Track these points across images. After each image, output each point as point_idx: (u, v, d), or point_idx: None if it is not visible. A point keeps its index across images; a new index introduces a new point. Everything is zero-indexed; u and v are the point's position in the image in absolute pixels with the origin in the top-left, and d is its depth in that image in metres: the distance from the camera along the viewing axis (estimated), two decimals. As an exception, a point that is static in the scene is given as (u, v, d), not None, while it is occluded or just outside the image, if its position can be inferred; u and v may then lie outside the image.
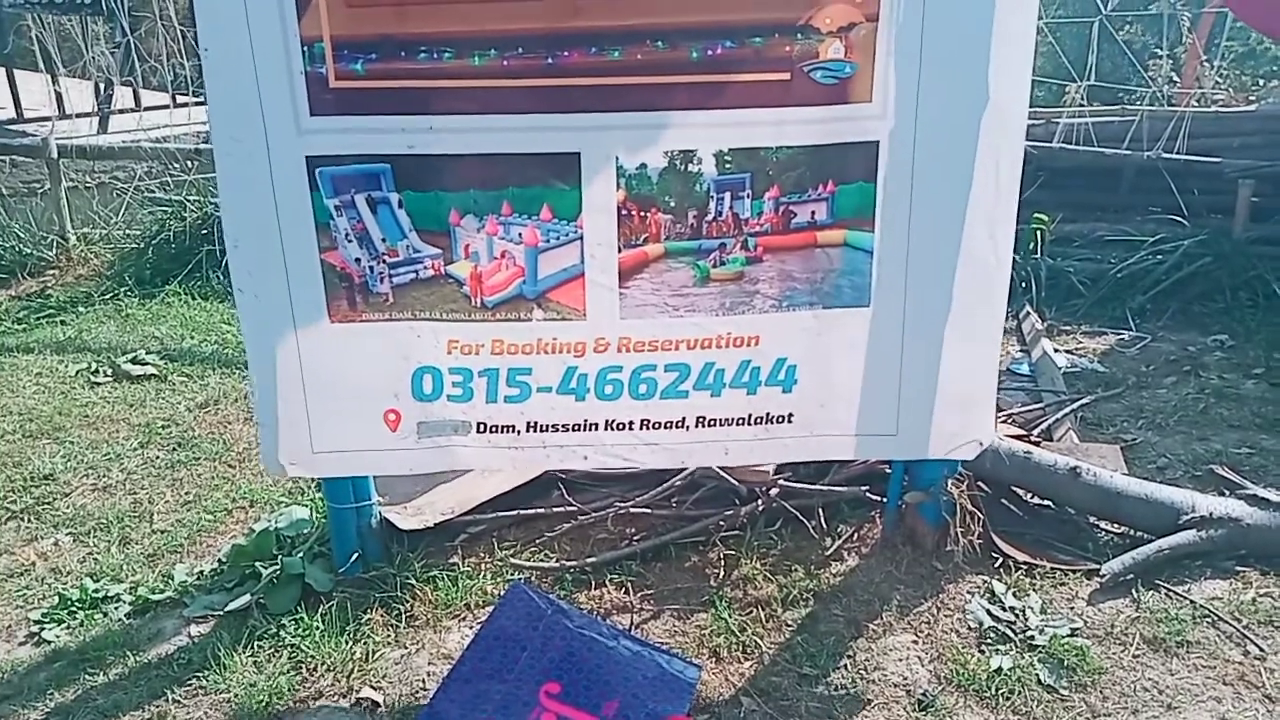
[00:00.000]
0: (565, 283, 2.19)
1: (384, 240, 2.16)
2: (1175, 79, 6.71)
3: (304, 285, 2.17)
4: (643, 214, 2.15)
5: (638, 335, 2.23)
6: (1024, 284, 4.92)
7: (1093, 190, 5.52)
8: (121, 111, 7.04)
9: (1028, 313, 4.73)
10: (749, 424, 2.31)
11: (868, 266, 2.20)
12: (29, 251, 5.80)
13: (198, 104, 6.91)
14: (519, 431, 2.31)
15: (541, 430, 2.31)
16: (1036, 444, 3.04)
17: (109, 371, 4.22)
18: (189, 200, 5.80)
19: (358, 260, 2.17)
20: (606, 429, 2.30)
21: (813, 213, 2.17)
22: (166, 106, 7.23)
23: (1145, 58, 7.32)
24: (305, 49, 2.01)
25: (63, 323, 5.03)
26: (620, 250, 2.16)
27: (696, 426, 2.30)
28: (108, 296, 5.33)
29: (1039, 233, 4.97)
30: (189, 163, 5.94)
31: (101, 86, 6.79)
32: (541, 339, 2.23)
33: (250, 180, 2.10)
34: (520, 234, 2.15)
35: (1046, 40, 5.40)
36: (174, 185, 5.98)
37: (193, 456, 3.45)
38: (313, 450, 2.30)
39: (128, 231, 5.99)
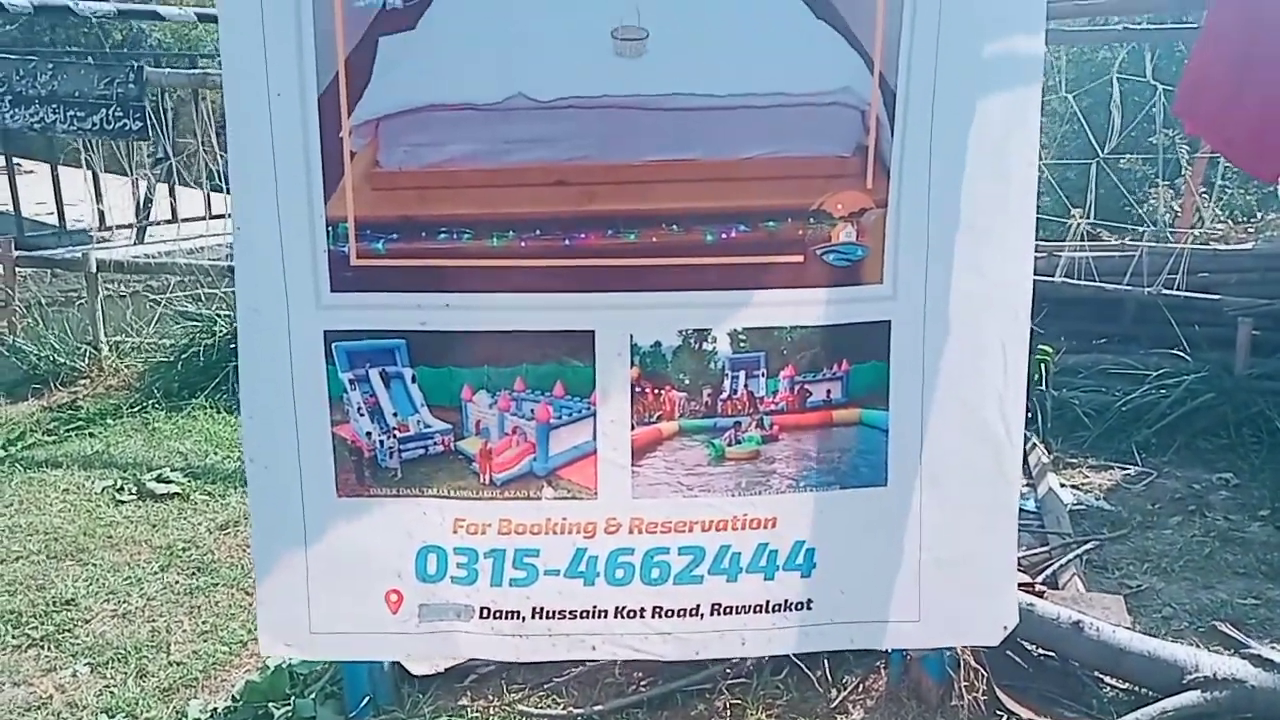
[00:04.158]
0: (577, 460, 2.17)
1: (395, 415, 2.16)
2: (1175, 209, 6.91)
3: (314, 458, 2.16)
4: (657, 391, 2.15)
5: (650, 516, 2.18)
6: (1030, 415, 4.98)
7: (1095, 320, 5.65)
8: (159, 223, 7.36)
9: (1033, 445, 4.79)
10: (767, 611, 2.23)
11: (883, 445, 2.18)
12: (62, 361, 6.00)
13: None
14: (524, 618, 2.25)
15: (548, 617, 2.25)
16: (1041, 593, 3.07)
17: (134, 489, 4.32)
18: (219, 315, 6.00)
19: (368, 434, 2.16)
20: (616, 616, 2.23)
21: (828, 391, 2.17)
22: (203, 218, 7.56)
23: (1146, 187, 7.54)
24: (330, 228, 2.07)
25: (91, 435, 5.16)
26: (633, 428, 2.15)
27: (712, 615, 2.23)
28: (135, 409, 5.48)
29: (1043, 365, 5.07)
30: (221, 278, 6.18)
31: (141, 202, 7.12)
32: (550, 518, 2.18)
33: (269, 351, 2.13)
34: (532, 410, 2.15)
35: (1045, 177, 5.61)
36: (205, 299, 6.20)
37: (211, 582, 3.52)
38: (310, 630, 2.26)
39: (159, 342, 6.19)
